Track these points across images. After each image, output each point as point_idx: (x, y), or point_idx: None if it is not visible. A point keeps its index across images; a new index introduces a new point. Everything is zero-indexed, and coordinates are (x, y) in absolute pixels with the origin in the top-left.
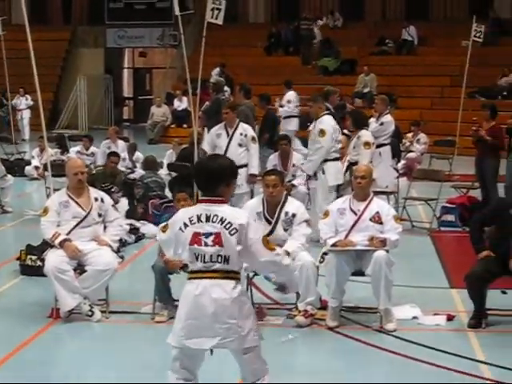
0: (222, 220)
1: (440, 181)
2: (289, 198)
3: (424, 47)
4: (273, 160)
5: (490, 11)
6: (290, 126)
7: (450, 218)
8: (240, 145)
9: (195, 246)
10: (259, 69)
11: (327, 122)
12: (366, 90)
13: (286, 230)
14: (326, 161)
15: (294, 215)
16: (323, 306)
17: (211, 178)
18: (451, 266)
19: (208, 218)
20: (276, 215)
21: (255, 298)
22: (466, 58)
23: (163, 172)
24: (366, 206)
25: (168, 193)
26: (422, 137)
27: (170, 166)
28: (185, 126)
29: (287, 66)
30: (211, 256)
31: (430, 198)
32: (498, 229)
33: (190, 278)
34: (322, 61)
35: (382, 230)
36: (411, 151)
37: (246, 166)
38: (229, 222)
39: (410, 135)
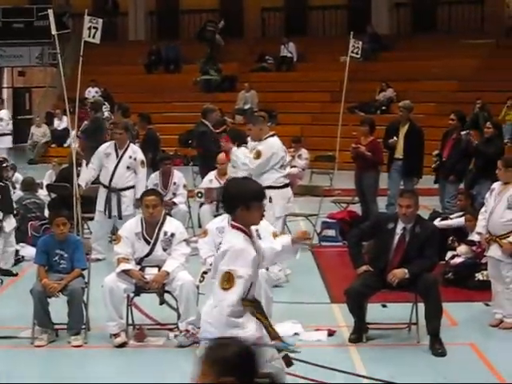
0: (220, 243)
1: (320, 196)
2: (167, 217)
3: (303, 63)
4: (154, 179)
5: (367, 27)
6: (3, 144)
7: (331, 232)
8: (128, 167)
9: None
10: (140, 87)
11: (269, 145)
12: (246, 107)
13: (165, 249)
14: (272, 188)
15: (172, 235)
16: None
17: (229, 200)
18: (332, 281)
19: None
20: (155, 235)
21: (136, 319)
22: (344, 74)
23: (43, 193)
24: None
25: (48, 214)
26: (304, 152)
27: (50, 187)
28: (65, 145)
29: (168, 84)
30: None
31: (311, 214)
32: (376, 243)
33: None
34: (204, 76)
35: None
36: (293, 167)
37: (131, 187)
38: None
39: (291, 150)
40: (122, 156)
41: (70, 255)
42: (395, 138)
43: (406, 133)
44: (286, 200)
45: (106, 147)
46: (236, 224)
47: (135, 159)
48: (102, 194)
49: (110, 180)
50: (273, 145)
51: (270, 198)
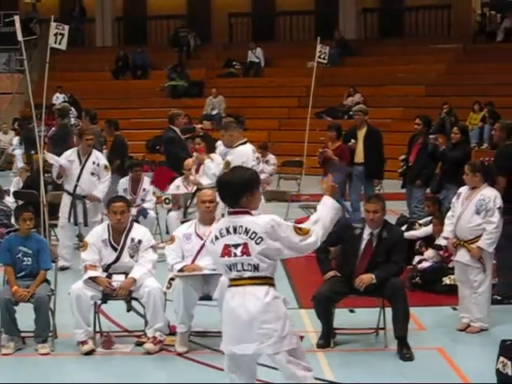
0: (246, 230)
1: (287, 201)
2: (134, 224)
3: (271, 69)
4: (123, 184)
5: (335, 32)
6: None
7: None
8: (92, 173)
9: (226, 257)
10: (107, 93)
11: (239, 155)
12: (214, 112)
13: (132, 256)
14: None
15: (139, 241)
16: (172, 332)
17: (233, 191)
18: (300, 286)
19: (235, 230)
20: (122, 242)
21: (103, 326)
22: (312, 79)
23: (10, 200)
24: None
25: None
26: (271, 158)
27: (17, 194)
28: (33, 152)
29: (135, 90)
30: (242, 264)
31: None
32: (344, 249)
33: (228, 286)
34: (170, 83)
35: None
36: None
37: None
38: (253, 232)
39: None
40: (85, 162)
41: (34, 253)
42: (353, 140)
43: (364, 136)
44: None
45: (69, 154)
46: (244, 209)
47: (98, 165)
48: (66, 201)
49: (75, 187)
50: (242, 154)
51: None
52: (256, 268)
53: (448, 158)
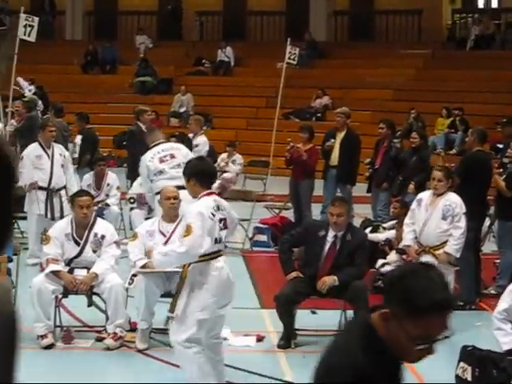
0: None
1: (252, 201)
2: (98, 218)
3: (240, 68)
4: (87, 179)
5: (305, 34)
6: None
7: (263, 238)
8: (62, 165)
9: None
10: (76, 87)
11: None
12: (182, 110)
13: (94, 251)
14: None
15: (103, 236)
16: (132, 328)
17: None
18: (262, 286)
19: (218, 207)
20: (85, 236)
21: (63, 321)
22: (281, 80)
23: None
24: (175, 228)
25: None
26: (238, 157)
27: None
28: None
29: (104, 85)
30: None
31: (243, 219)
32: (307, 250)
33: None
34: (139, 79)
35: None
36: (226, 171)
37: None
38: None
39: (224, 155)
40: (53, 155)
41: None
42: (332, 140)
43: (342, 139)
44: None
45: (34, 149)
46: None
47: (65, 156)
48: (39, 196)
49: (50, 181)
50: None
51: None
52: None
53: (407, 163)
